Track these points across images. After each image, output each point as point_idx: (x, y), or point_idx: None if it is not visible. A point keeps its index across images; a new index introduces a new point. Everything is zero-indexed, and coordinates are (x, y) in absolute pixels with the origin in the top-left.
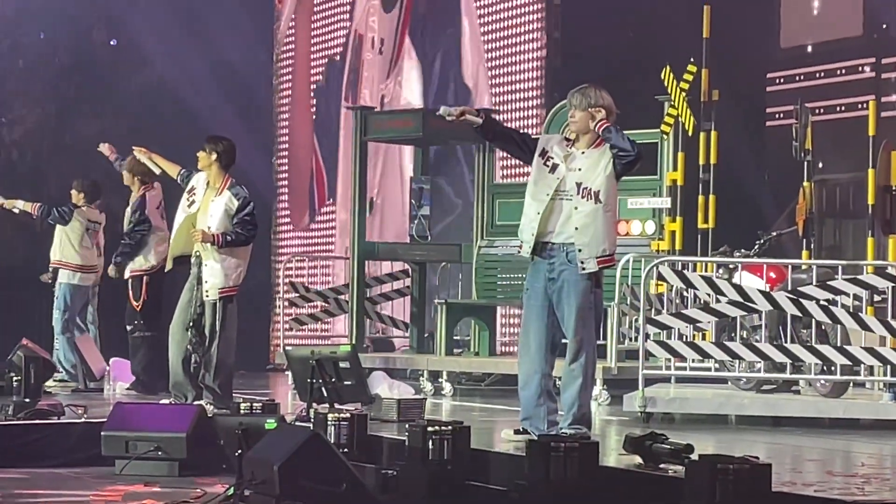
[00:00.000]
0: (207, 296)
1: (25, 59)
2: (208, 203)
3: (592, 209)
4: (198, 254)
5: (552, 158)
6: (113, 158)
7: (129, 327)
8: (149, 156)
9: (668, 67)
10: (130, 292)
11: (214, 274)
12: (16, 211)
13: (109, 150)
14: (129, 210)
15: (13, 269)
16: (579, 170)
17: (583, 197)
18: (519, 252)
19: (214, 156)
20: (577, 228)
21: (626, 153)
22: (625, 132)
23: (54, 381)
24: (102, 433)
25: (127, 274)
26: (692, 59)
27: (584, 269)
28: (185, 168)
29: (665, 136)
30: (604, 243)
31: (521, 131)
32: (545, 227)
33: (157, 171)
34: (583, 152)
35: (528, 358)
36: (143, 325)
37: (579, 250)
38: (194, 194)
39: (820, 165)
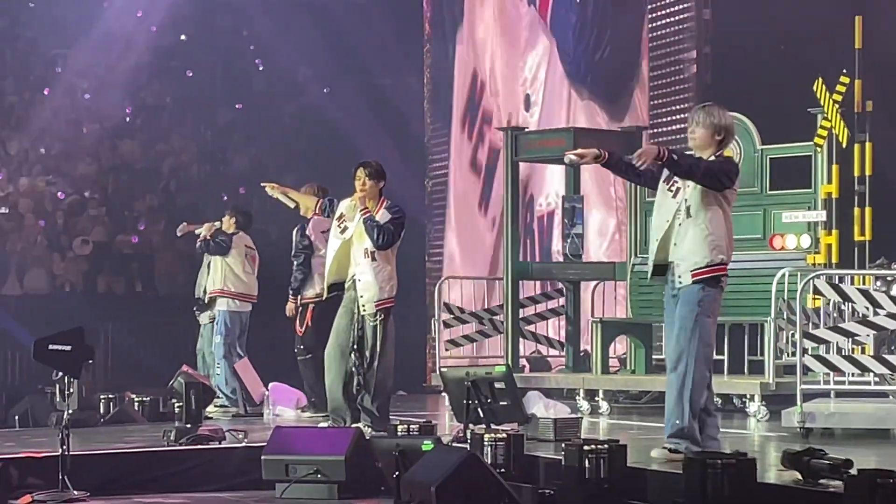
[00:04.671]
0: (365, 310)
1: (178, 92)
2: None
3: (685, 223)
4: (353, 277)
5: (676, 183)
6: (196, 231)
7: (295, 350)
8: (282, 191)
9: (820, 79)
10: (297, 318)
11: (368, 288)
12: (199, 233)
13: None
14: (294, 232)
15: (174, 297)
16: (685, 189)
17: (682, 213)
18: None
19: (371, 179)
20: (675, 244)
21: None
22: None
23: (215, 406)
24: (263, 457)
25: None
26: (844, 71)
27: (680, 282)
28: (323, 198)
29: (819, 149)
30: (696, 256)
31: None
32: (665, 249)
33: (292, 206)
34: None
35: (670, 377)
36: (303, 350)
37: (677, 265)
38: (344, 220)
39: None
